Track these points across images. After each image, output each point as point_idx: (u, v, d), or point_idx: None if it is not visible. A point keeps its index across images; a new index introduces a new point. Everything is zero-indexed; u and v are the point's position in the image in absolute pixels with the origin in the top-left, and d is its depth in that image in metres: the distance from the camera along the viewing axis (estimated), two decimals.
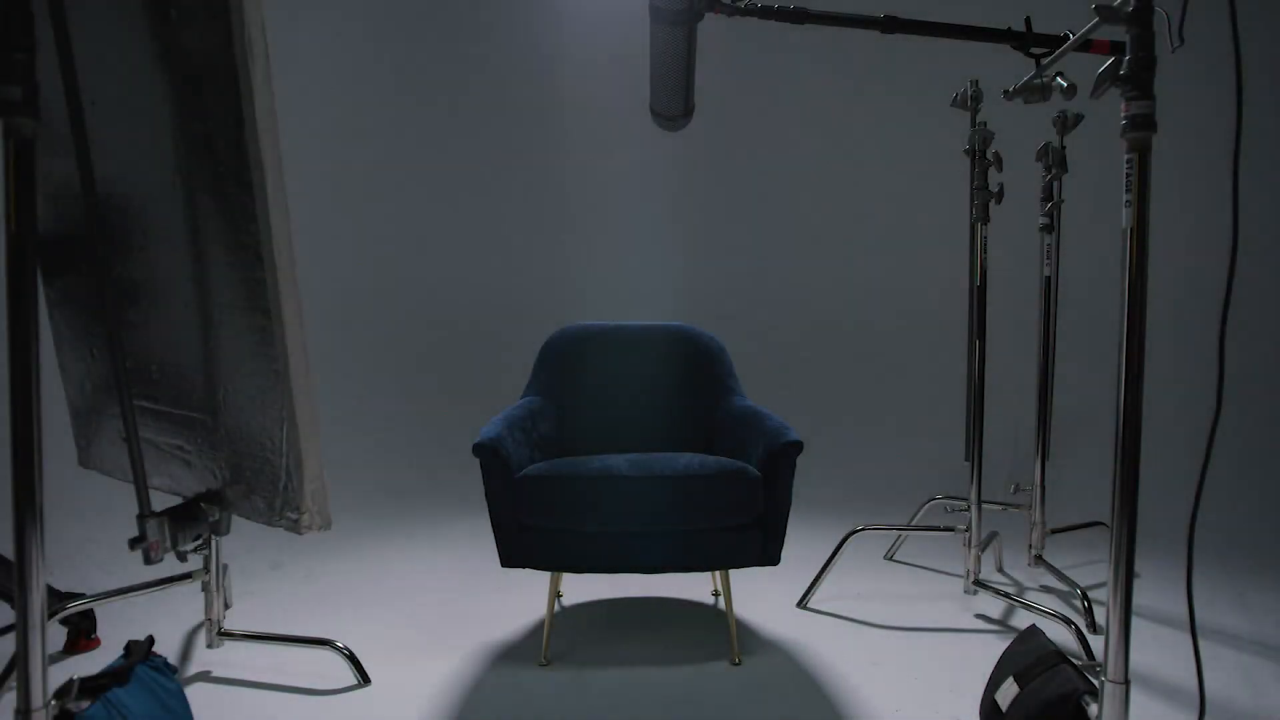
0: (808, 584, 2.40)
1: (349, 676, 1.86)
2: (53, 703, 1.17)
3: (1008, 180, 2.24)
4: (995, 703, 1.46)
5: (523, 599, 2.38)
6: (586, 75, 3.92)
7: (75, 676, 1.29)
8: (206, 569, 1.81)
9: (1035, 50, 1.45)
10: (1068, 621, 2.01)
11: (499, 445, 1.91)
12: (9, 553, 1.13)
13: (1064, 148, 2.43)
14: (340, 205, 3.78)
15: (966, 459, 2.33)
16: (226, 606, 1.87)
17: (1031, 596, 2.33)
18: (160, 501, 1.56)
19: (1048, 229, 2.47)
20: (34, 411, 1.07)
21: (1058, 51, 1.40)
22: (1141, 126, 1.11)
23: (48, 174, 1.67)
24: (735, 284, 4.04)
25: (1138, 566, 1.21)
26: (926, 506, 2.93)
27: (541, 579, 2.50)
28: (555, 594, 1.99)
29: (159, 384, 1.65)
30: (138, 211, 1.54)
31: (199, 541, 1.65)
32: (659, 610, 2.31)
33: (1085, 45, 1.33)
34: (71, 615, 1.94)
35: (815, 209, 4.03)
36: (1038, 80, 1.50)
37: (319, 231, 3.45)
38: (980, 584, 2.26)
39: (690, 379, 2.44)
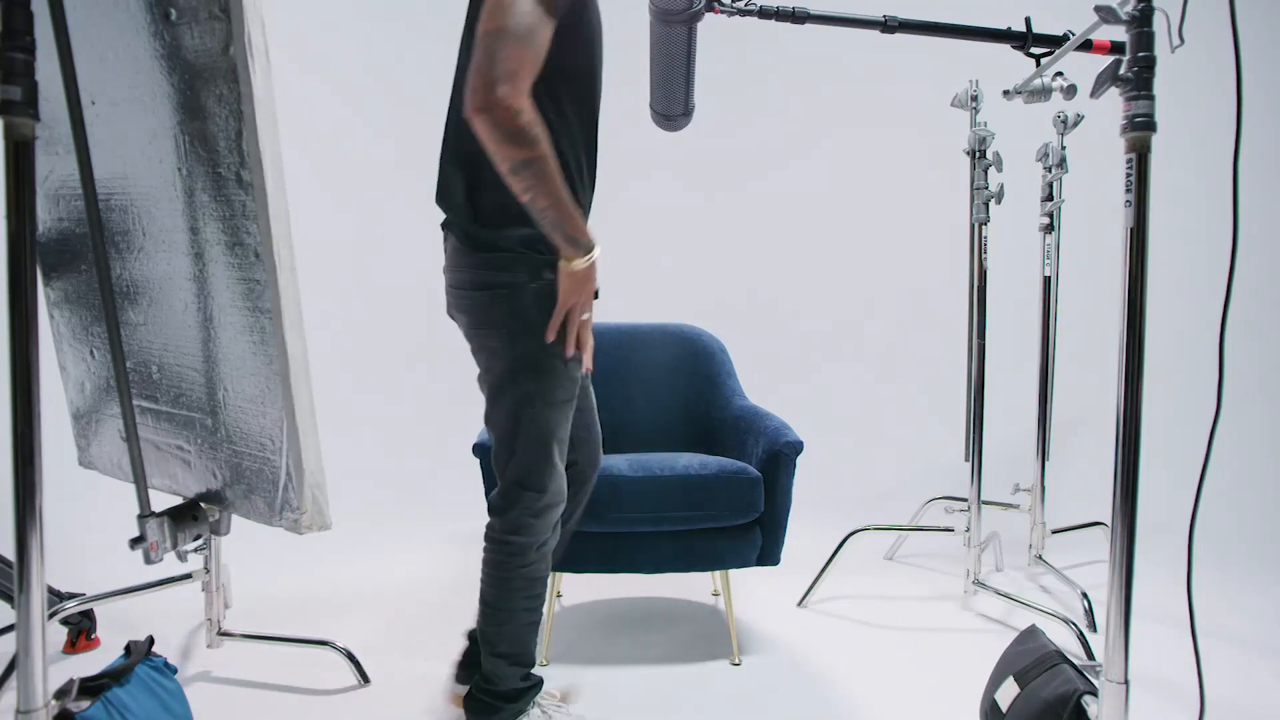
0: (808, 584, 2.40)
1: (349, 676, 1.86)
2: (53, 703, 1.17)
3: (1008, 180, 2.24)
4: (995, 703, 1.46)
5: None
6: None
7: (75, 677, 1.29)
8: (206, 569, 1.80)
9: (1035, 50, 1.45)
10: (1068, 621, 2.01)
11: None
12: (9, 553, 1.13)
13: (1064, 148, 2.43)
14: (340, 205, 3.78)
15: (966, 459, 2.33)
16: (226, 606, 1.87)
17: (1031, 596, 2.33)
18: (160, 501, 1.56)
19: (1048, 229, 2.48)
20: (34, 411, 1.07)
21: (1058, 51, 1.40)
22: (1141, 126, 1.11)
23: (48, 174, 1.67)
24: (735, 284, 4.04)
25: (1138, 566, 1.21)
26: (926, 506, 2.93)
27: None
28: (555, 594, 1.99)
29: (159, 384, 1.65)
30: (138, 211, 1.54)
31: (199, 541, 1.65)
32: (659, 610, 2.31)
33: (1085, 45, 1.33)
34: (71, 615, 1.94)
35: (815, 208, 4.03)
36: (1038, 80, 1.51)
37: (319, 231, 3.46)
38: (980, 584, 2.26)
39: (690, 379, 2.44)
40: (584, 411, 1.66)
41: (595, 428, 1.70)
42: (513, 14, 1.19)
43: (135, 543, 1.50)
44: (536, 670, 1.83)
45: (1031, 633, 1.53)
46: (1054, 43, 1.43)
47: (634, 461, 1.93)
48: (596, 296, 1.51)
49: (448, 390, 3.87)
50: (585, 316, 1.38)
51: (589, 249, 1.34)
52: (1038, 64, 1.46)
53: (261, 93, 1.29)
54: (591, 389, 1.69)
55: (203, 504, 1.65)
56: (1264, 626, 2.21)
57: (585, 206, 1.46)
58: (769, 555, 1.97)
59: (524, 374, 1.40)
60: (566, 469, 1.58)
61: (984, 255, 2.26)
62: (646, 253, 3.99)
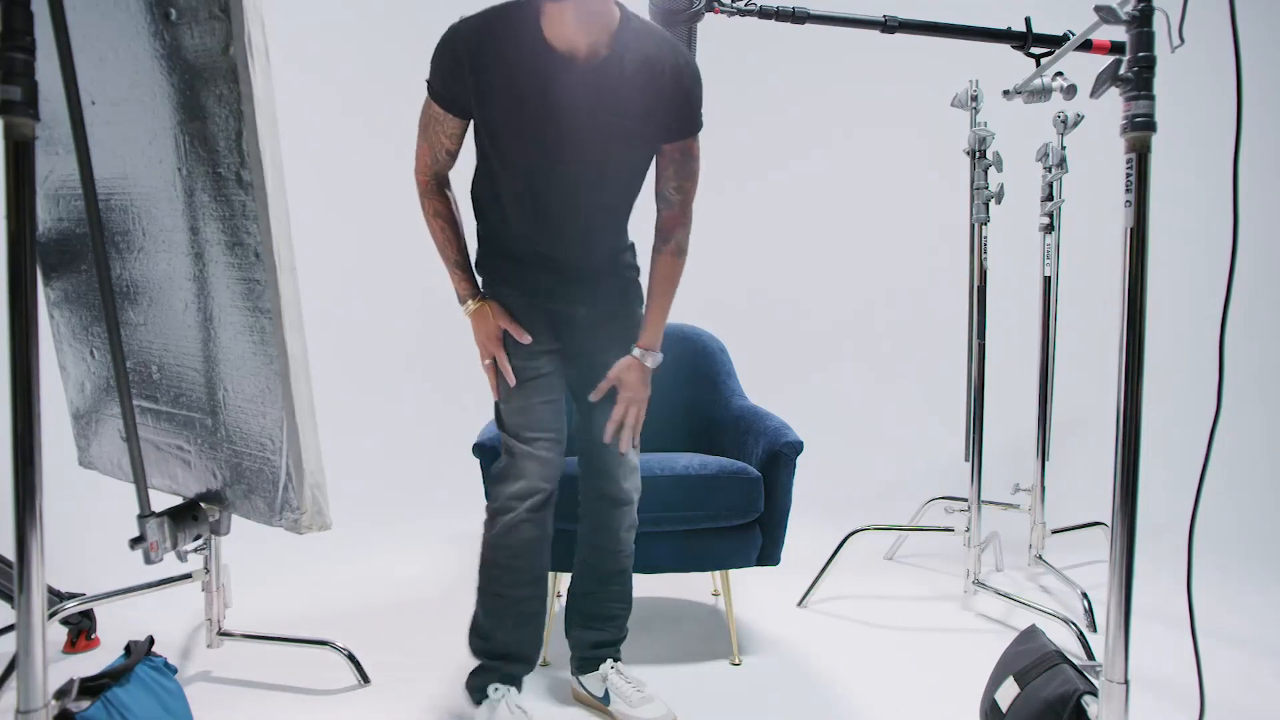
0: (808, 584, 2.40)
1: (349, 676, 1.86)
2: (53, 703, 1.17)
3: (1008, 180, 2.24)
4: (995, 703, 1.46)
5: None
6: None
7: (75, 676, 1.29)
8: (206, 569, 1.81)
9: (1035, 50, 1.45)
10: (1068, 621, 2.01)
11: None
12: (9, 553, 1.13)
13: (1064, 148, 2.43)
14: (340, 205, 3.78)
15: (966, 459, 2.33)
16: (226, 606, 1.87)
17: (1031, 596, 2.33)
18: (160, 501, 1.56)
19: (1048, 229, 2.47)
20: (34, 411, 1.07)
21: (1058, 51, 1.40)
22: (1141, 126, 1.11)
23: (48, 174, 1.67)
24: (735, 283, 4.04)
25: (1138, 566, 1.21)
26: (926, 506, 2.93)
27: None
28: (555, 594, 1.99)
29: (159, 384, 1.65)
30: (138, 211, 1.54)
31: (199, 541, 1.65)
32: (659, 610, 2.31)
33: (1085, 45, 1.33)
34: (71, 615, 1.94)
35: (815, 208, 4.04)
36: (1038, 80, 1.51)
37: (319, 231, 3.45)
38: (980, 584, 2.26)
39: (690, 379, 2.44)
40: (585, 443, 1.74)
41: (596, 461, 1.70)
42: (420, 115, 1.59)
43: (135, 543, 1.50)
44: (536, 670, 1.83)
45: (1031, 633, 1.53)
46: (1054, 43, 1.43)
47: None
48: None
49: (448, 390, 3.87)
50: (486, 362, 1.63)
51: (462, 301, 1.65)
52: (1038, 64, 1.46)
53: (261, 93, 1.29)
54: (595, 421, 1.70)
55: (203, 504, 1.65)
56: (1264, 626, 2.21)
57: (529, 234, 1.62)
58: (769, 555, 1.97)
59: None
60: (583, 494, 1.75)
61: (984, 255, 2.26)
62: (645, 253, 3.98)
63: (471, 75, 1.47)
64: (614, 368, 1.66)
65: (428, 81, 1.54)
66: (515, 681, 1.64)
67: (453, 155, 1.60)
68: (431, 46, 1.49)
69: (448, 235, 1.65)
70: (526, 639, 1.64)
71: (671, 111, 1.54)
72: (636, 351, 1.66)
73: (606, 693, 1.69)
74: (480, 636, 1.63)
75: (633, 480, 1.72)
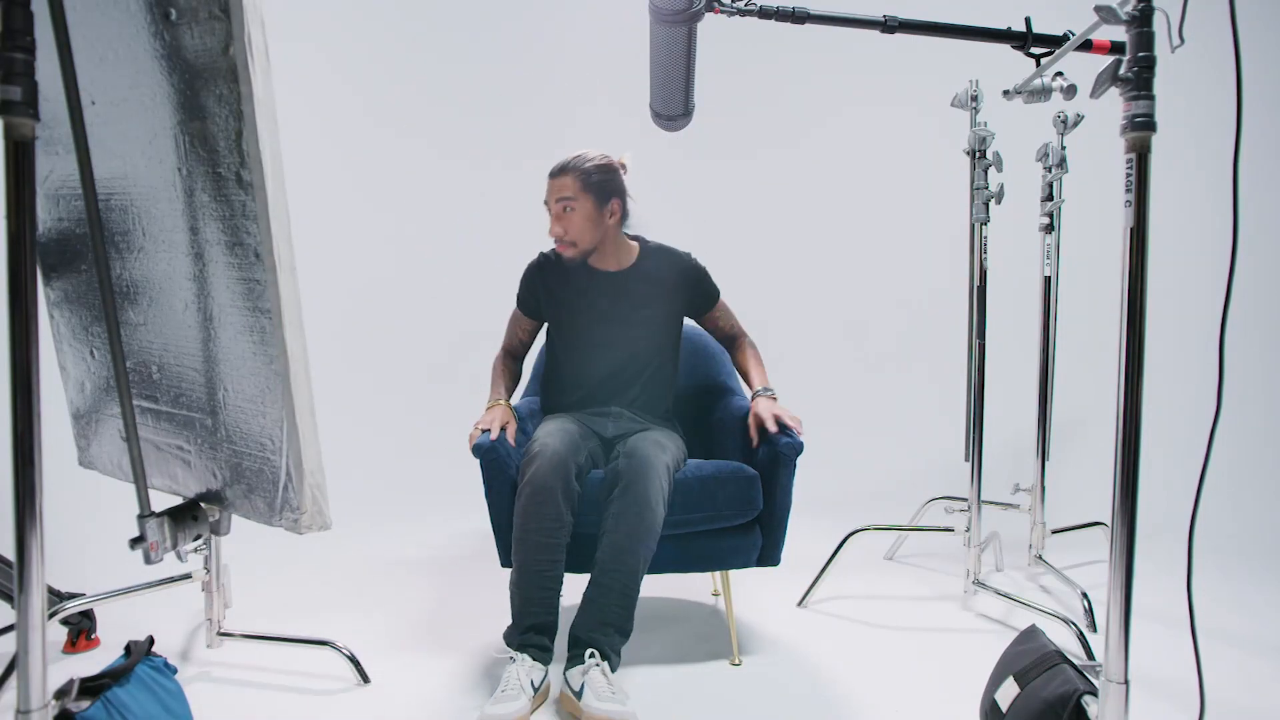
0: (808, 584, 2.40)
1: (349, 676, 1.86)
2: (53, 703, 1.17)
3: (1008, 180, 2.24)
4: (995, 703, 1.46)
5: None
6: (587, 75, 3.92)
7: (75, 676, 1.29)
8: (206, 569, 1.80)
9: (1035, 50, 1.45)
10: (1068, 621, 2.01)
11: (499, 446, 1.91)
12: (9, 553, 1.13)
13: (1064, 148, 2.43)
14: (340, 205, 3.78)
15: (966, 459, 2.33)
16: (226, 606, 1.87)
17: (1031, 596, 2.33)
18: (160, 501, 1.56)
19: (1048, 229, 2.47)
20: (34, 411, 1.07)
21: (1058, 51, 1.40)
22: (1141, 126, 1.11)
23: (48, 174, 1.67)
24: (734, 283, 4.04)
25: (1138, 566, 1.21)
26: (926, 506, 2.93)
27: None
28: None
29: (159, 384, 1.65)
30: (138, 211, 1.54)
31: (199, 541, 1.65)
32: (659, 610, 2.31)
33: (1085, 45, 1.33)
34: (71, 615, 1.94)
35: (815, 208, 4.04)
36: (1038, 80, 1.50)
37: (319, 231, 3.45)
38: (980, 584, 2.26)
39: (690, 379, 2.44)
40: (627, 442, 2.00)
41: (631, 452, 1.89)
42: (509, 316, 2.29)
43: (135, 543, 1.50)
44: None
45: (1031, 633, 1.53)
46: (1054, 43, 1.43)
47: None
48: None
49: (448, 390, 3.87)
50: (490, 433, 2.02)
51: (489, 405, 2.11)
52: (1038, 64, 1.46)
53: (261, 93, 1.29)
54: (634, 441, 1.95)
55: (203, 504, 1.65)
56: (1264, 626, 2.21)
57: (573, 395, 2.19)
58: (769, 556, 1.97)
59: None
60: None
61: (984, 255, 2.26)
62: None
63: (545, 291, 2.18)
64: (755, 410, 2.02)
65: (517, 295, 2.23)
66: (533, 652, 1.75)
67: (525, 345, 2.28)
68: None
69: (503, 376, 2.20)
70: (533, 603, 1.77)
71: (693, 291, 2.23)
72: (762, 389, 2.10)
73: (583, 685, 1.66)
74: (512, 584, 1.82)
75: (667, 478, 1.88)
